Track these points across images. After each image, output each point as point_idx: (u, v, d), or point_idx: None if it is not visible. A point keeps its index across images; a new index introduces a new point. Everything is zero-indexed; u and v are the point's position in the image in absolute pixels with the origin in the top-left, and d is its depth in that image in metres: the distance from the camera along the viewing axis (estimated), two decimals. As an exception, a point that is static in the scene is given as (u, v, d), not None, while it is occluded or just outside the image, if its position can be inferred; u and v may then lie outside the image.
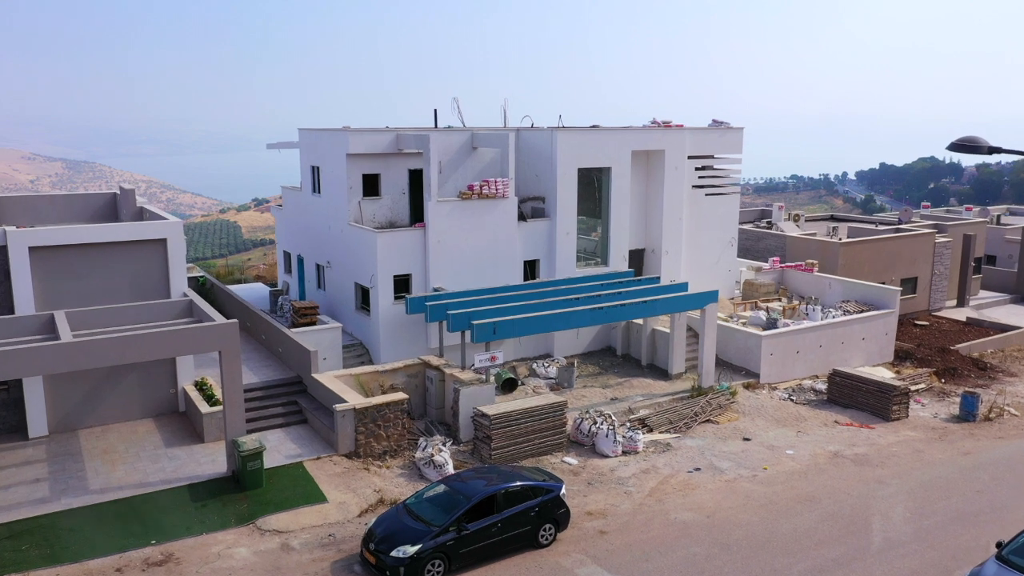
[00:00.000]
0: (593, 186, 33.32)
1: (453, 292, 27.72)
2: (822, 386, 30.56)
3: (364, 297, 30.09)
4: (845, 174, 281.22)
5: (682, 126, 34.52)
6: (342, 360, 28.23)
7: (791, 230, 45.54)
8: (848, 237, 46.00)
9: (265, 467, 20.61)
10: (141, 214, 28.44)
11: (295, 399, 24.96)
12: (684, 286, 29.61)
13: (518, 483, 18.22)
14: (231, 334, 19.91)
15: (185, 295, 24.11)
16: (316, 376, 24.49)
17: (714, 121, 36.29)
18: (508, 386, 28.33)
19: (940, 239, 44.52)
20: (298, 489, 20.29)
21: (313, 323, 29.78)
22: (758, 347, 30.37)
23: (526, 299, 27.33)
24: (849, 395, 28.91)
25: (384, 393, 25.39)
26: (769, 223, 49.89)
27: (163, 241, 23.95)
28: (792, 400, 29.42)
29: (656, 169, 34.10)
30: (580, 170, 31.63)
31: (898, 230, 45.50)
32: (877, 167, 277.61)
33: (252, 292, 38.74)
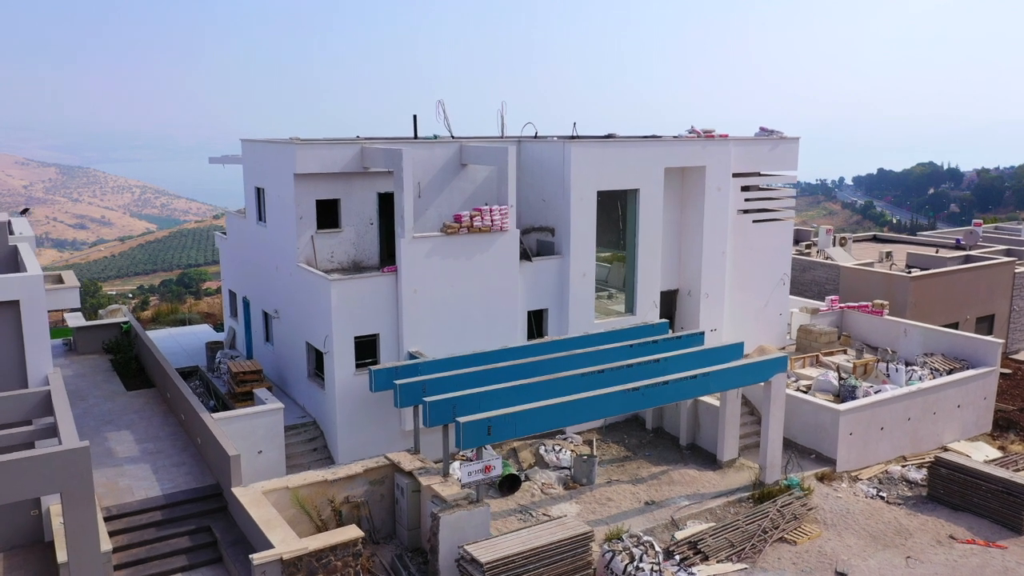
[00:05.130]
0: (616, 213, 26.22)
1: (433, 361, 20.54)
2: (916, 474, 23.48)
3: (318, 361, 22.95)
4: (842, 179, 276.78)
5: (727, 136, 27.44)
6: (284, 453, 21.02)
7: (842, 258, 38.46)
8: (908, 264, 39.03)
9: (139, 662, 13.46)
10: (14, 257, 21.24)
11: (209, 523, 17.75)
12: (739, 348, 22.47)
13: None
14: (77, 468, 12.72)
15: (47, 380, 16.91)
16: (237, 493, 17.30)
17: (762, 129, 29.25)
18: (508, 484, 21.27)
19: (1020, 268, 37.53)
20: None
21: (253, 392, 22.76)
22: (834, 425, 23.25)
23: (531, 371, 20.17)
24: (960, 494, 21.80)
25: (335, 511, 18.24)
26: (809, 245, 42.88)
27: (14, 304, 16.74)
28: (883, 498, 22.30)
29: (694, 190, 26.99)
30: (600, 193, 24.54)
31: (968, 258, 38.49)
32: (875, 172, 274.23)
33: (192, 339, 31.54)
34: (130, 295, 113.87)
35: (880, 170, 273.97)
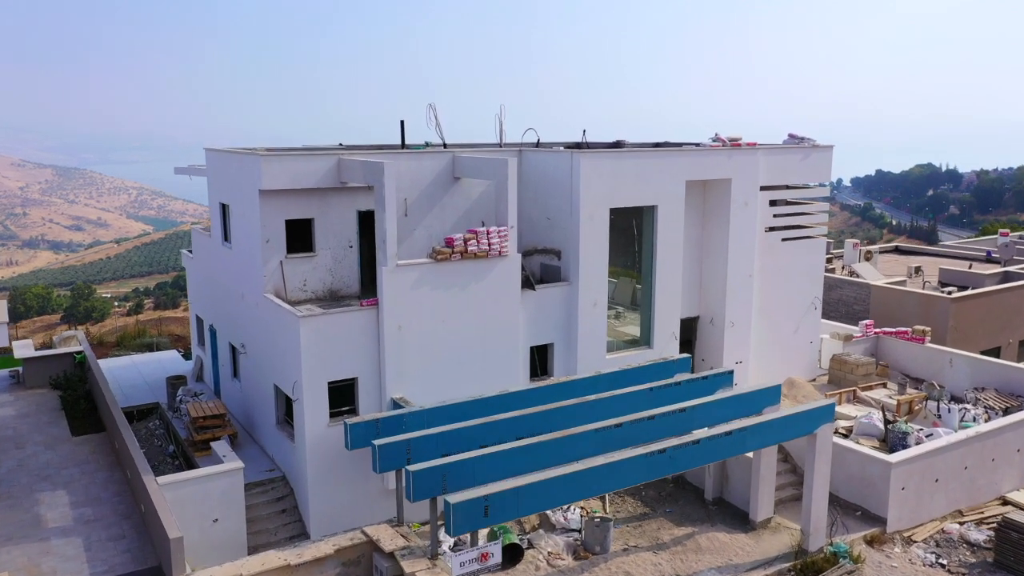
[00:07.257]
0: (630, 232, 23.12)
1: (420, 411, 17.40)
2: (977, 535, 20.39)
3: (288, 407, 19.83)
4: (840, 180, 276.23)
5: (755, 144, 24.37)
6: (245, 519, 17.88)
7: (869, 274, 35.41)
8: (941, 281, 35.99)
9: None
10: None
11: (145, 620, 14.65)
12: (776, 392, 19.34)
13: None
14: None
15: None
16: (178, 586, 14.18)
17: (791, 136, 26.17)
18: (509, 554, 18.10)
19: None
20: None
21: (215, 438, 19.77)
22: (885, 479, 20.14)
23: (535, 423, 17.07)
24: (1035, 562, 18.73)
25: (300, 602, 15.12)
26: (831, 259, 39.78)
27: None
28: (943, 566, 19.21)
29: (718, 206, 23.92)
30: (612, 211, 21.46)
31: (1007, 275, 35.43)
32: (873, 173, 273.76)
33: (157, 369, 28.37)
34: (116, 302, 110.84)
35: (879, 171, 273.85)
